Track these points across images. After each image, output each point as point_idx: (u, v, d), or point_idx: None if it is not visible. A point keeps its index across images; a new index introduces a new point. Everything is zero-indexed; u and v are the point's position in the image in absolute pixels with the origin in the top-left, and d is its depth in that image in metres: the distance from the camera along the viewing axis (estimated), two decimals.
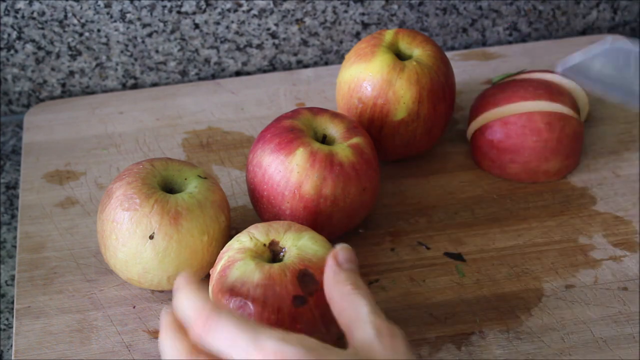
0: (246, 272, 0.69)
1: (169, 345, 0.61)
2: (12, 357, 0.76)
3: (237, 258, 0.71)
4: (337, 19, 0.96)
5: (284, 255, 0.72)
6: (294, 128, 0.78)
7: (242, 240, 0.72)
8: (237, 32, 0.96)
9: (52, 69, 0.96)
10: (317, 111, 0.81)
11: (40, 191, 0.88)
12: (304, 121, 0.79)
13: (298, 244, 0.71)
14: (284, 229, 0.72)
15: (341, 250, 0.68)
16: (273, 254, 0.72)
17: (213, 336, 0.59)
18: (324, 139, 0.79)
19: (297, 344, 0.58)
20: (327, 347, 0.59)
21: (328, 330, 0.70)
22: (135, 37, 0.95)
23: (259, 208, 0.79)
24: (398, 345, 0.61)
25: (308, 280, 0.69)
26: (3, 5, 0.91)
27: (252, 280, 0.69)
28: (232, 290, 0.69)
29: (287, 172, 0.76)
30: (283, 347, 0.58)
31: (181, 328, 0.61)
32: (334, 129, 0.79)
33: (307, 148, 0.76)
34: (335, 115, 0.81)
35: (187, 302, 0.61)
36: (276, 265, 0.70)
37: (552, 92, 0.84)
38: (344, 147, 0.77)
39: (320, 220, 0.77)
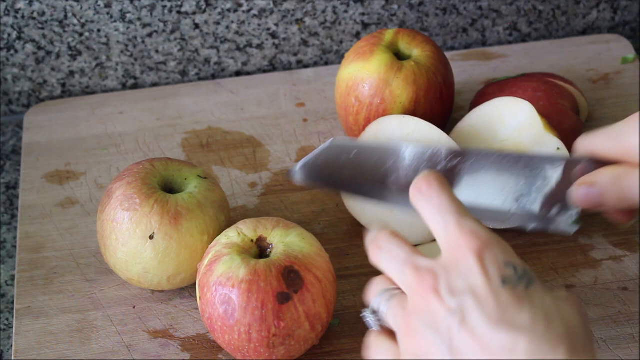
0: (232, 267, 0.70)
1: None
2: (12, 357, 0.76)
3: (224, 253, 0.71)
4: (337, 19, 0.96)
5: (270, 252, 0.72)
6: None
7: (230, 236, 0.73)
8: (237, 32, 0.96)
9: (52, 69, 0.96)
10: None
11: (40, 191, 0.88)
12: None
13: (285, 241, 0.72)
14: (272, 226, 0.73)
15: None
16: (260, 249, 0.73)
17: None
18: None
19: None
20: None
21: (313, 327, 0.71)
22: (135, 37, 0.95)
23: None
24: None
25: (294, 277, 0.70)
26: (3, 5, 0.91)
27: (238, 275, 0.70)
28: (218, 285, 0.70)
29: None
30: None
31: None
32: None
33: None
34: None
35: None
36: (262, 261, 0.71)
37: (551, 93, 0.84)
38: None
39: None
